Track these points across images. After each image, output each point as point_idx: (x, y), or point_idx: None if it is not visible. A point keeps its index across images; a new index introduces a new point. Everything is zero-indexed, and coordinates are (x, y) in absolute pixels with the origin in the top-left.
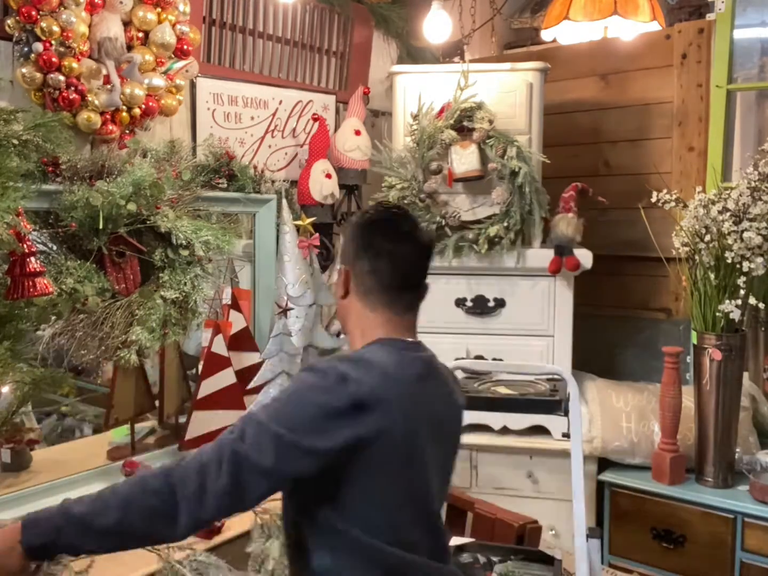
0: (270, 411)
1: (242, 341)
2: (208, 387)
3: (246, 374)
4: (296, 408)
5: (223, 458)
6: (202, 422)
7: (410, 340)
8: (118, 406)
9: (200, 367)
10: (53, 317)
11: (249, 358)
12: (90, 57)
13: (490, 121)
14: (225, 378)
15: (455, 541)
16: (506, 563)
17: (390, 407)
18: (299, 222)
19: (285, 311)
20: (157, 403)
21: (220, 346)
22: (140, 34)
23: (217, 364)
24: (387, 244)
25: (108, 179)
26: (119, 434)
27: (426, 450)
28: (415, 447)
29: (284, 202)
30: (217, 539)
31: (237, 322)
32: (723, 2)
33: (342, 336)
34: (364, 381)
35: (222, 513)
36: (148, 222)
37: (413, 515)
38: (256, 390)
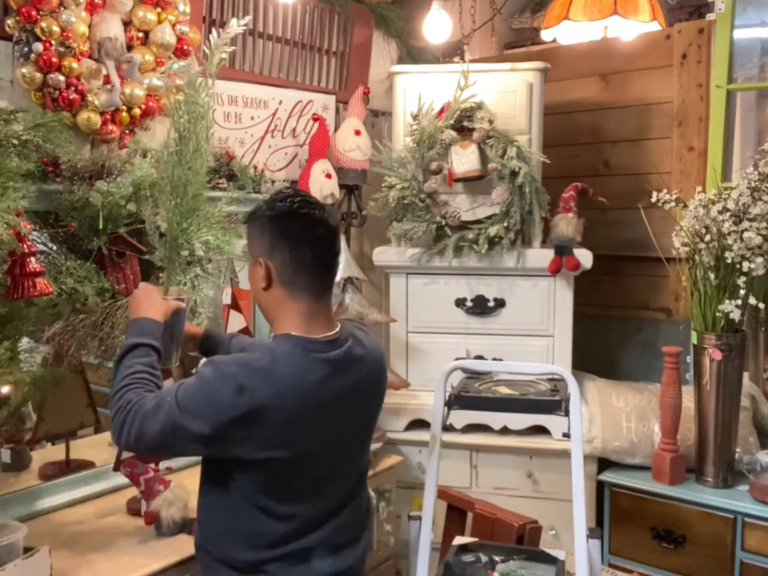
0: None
1: None
2: None
3: None
4: (197, 402)
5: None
6: None
7: (325, 337)
8: (51, 419)
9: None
10: (53, 317)
11: None
12: (90, 57)
13: (490, 121)
14: None
15: (457, 540)
16: (508, 563)
17: (281, 416)
18: None
19: None
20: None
21: None
22: (140, 34)
23: None
24: (302, 232)
25: (108, 179)
26: None
27: (323, 446)
28: (307, 449)
29: None
30: None
31: (237, 322)
32: (723, 2)
33: None
34: (258, 392)
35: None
36: None
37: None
38: None
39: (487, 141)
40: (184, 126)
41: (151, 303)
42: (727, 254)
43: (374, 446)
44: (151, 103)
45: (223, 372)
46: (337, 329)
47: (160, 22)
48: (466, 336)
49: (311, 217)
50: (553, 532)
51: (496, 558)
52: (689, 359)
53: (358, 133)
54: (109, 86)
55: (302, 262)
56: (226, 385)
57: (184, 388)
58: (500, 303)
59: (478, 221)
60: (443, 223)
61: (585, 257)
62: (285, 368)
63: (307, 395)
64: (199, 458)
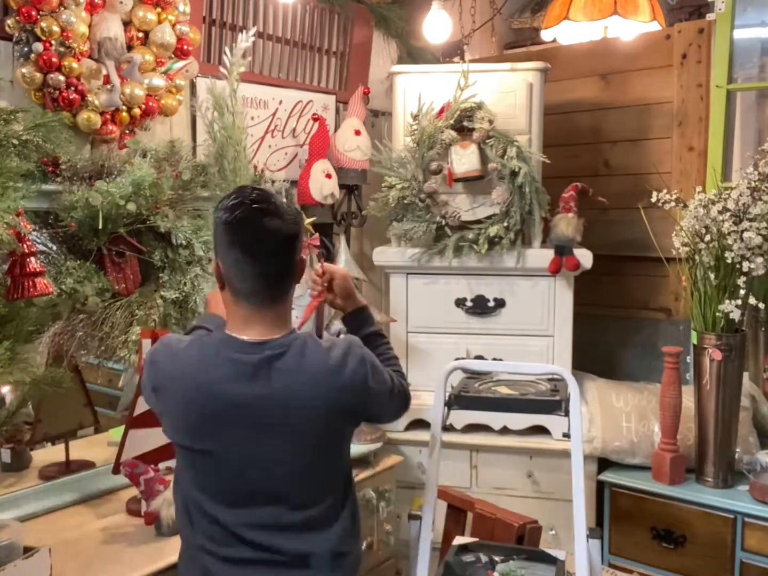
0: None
1: None
2: (145, 403)
3: None
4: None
5: None
6: (138, 441)
7: (247, 339)
8: (48, 419)
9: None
10: (53, 317)
11: None
12: (90, 57)
13: (490, 121)
14: None
15: (457, 540)
16: (508, 563)
17: (174, 397)
18: None
19: None
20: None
21: None
22: (140, 34)
23: None
24: (249, 242)
25: (108, 179)
26: (119, 434)
27: (221, 441)
28: (202, 436)
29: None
30: None
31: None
32: (723, 2)
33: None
34: (162, 371)
35: None
36: (147, 222)
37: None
38: None
39: (487, 141)
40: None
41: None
42: (727, 254)
43: (374, 446)
44: (151, 103)
45: (154, 349)
46: (278, 336)
47: (160, 22)
48: (466, 336)
49: (256, 228)
50: (553, 532)
51: (496, 558)
52: (689, 359)
53: (358, 133)
54: (109, 86)
55: (244, 270)
56: (148, 361)
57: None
58: (500, 303)
59: (478, 221)
60: (443, 223)
61: (585, 257)
62: (193, 357)
63: (204, 387)
64: None
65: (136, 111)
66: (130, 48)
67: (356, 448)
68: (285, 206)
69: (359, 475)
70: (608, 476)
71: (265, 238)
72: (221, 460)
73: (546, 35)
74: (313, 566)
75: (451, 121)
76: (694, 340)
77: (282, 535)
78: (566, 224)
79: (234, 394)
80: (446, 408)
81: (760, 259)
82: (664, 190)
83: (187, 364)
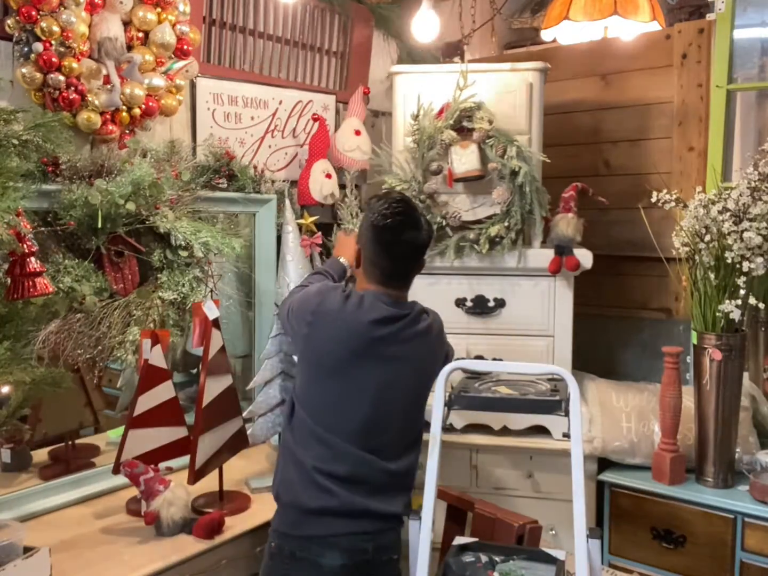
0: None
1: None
2: (145, 403)
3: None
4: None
5: None
6: (138, 441)
7: (392, 294)
8: (48, 419)
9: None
10: (51, 316)
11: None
12: (90, 57)
13: (490, 121)
14: (163, 392)
15: (457, 540)
16: (508, 563)
17: (326, 330)
18: (302, 221)
19: None
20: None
21: (158, 358)
22: (140, 34)
23: (155, 377)
24: (391, 247)
25: (107, 178)
26: (117, 434)
27: (358, 373)
28: (342, 366)
29: (287, 201)
30: (218, 539)
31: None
32: (723, 2)
33: None
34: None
35: None
36: (147, 222)
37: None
38: None
39: (487, 141)
40: None
41: (346, 248)
42: (727, 254)
43: None
44: (151, 103)
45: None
46: (409, 303)
47: (160, 22)
48: (466, 336)
49: (405, 236)
50: (553, 532)
51: (497, 558)
52: (689, 359)
53: (358, 133)
54: (109, 86)
55: (382, 266)
56: (311, 297)
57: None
58: (500, 303)
59: (479, 221)
60: (444, 223)
61: (585, 257)
62: (354, 302)
63: (357, 329)
64: None
65: (136, 111)
66: (130, 48)
67: None
68: (423, 218)
69: None
70: (608, 476)
71: (403, 245)
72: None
73: (546, 35)
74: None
75: (451, 122)
76: (694, 340)
77: (385, 460)
78: (566, 224)
79: (385, 333)
80: (446, 408)
81: (760, 259)
82: (664, 190)
83: (352, 304)
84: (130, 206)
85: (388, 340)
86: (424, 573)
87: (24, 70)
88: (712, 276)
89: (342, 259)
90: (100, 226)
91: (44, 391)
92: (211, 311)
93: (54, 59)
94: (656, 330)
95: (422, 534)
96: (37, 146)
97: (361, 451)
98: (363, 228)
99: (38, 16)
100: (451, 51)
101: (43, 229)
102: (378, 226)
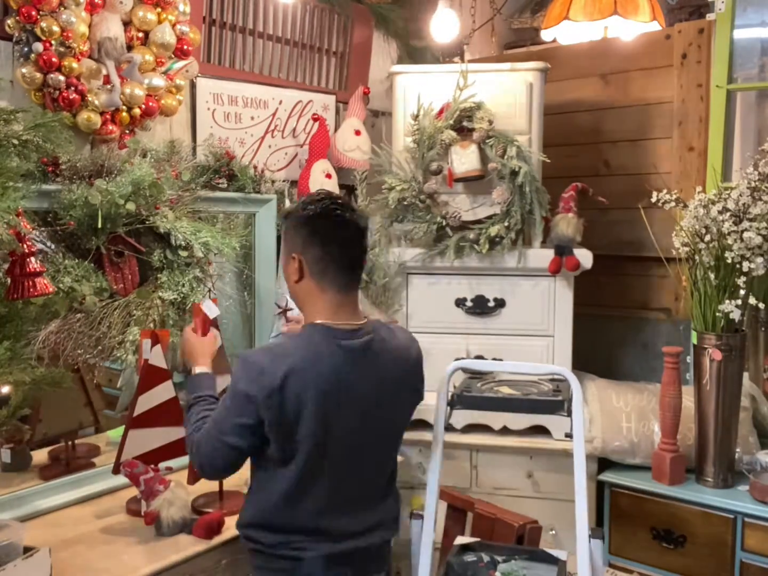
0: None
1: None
2: (145, 403)
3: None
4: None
5: None
6: (138, 442)
7: (347, 327)
8: (48, 419)
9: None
10: (50, 316)
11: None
12: (90, 57)
13: (490, 121)
14: (163, 392)
15: (459, 540)
16: (510, 563)
17: (293, 394)
18: None
19: (285, 311)
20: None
21: (158, 358)
22: (140, 34)
23: (155, 377)
24: (333, 232)
25: (107, 178)
26: (118, 434)
27: (334, 424)
28: (319, 422)
29: (287, 201)
30: (218, 539)
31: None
32: (723, 2)
33: None
34: (276, 373)
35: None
36: (147, 222)
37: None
38: None
39: (487, 141)
40: None
41: (200, 352)
42: (727, 254)
43: None
44: (151, 103)
45: (248, 361)
46: (362, 321)
47: (160, 22)
48: (466, 336)
49: (341, 218)
50: (553, 532)
51: (498, 558)
52: (689, 359)
53: (358, 133)
54: (109, 86)
55: (331, 258)
56: (250, 371)
57: (219, 406)
58: (500, 303)
59: (479, 221)
60: (444, 223)
61: (585, 257)
62: (301, 350)
63: (321, 377)
64: None
65: (136, 111)
66: (130, 48)
67: None
68: (352, 202)
69: None
70: (608, 476)
71: (353, 227)
72: (334, 445)
73: (546, 35)
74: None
75: (451, 122)
76: (694, 340)
77: (366, 507)
78: (566, 224)
79: (348, 378)
80: (449, 407)
81: (760, 259)
82: (664, 190)
83: (302, 357)
84: (130, 206)
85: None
86: (426, 573)
87: (24, 70)
88: (712, 276)
89: (204, 369)
90: (100, 226)
91: (44, 391)
92: (211, 310)
93: (54, 59)
94: (656, 330)
95: (424, 534)
96: (37, 146)
97: None
98: (293, 231)
99: (38, 16)
100: (451, 51)
101: (43, 228)
102: (314, 215)
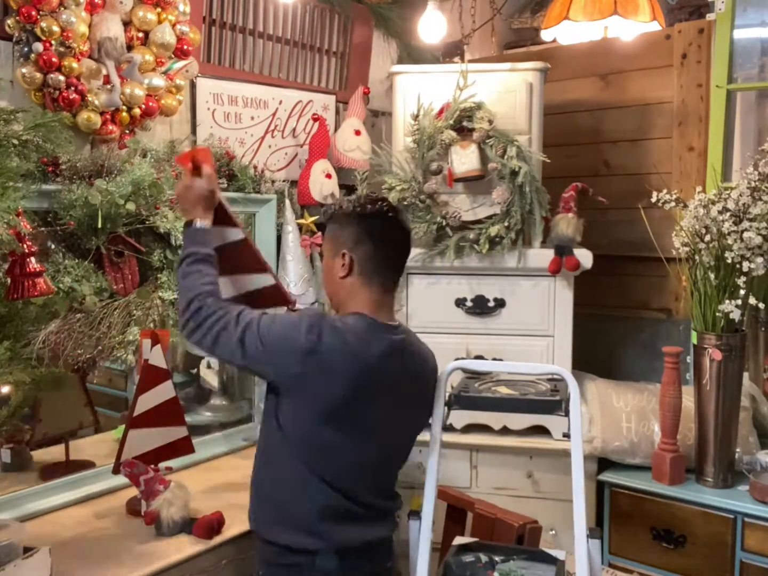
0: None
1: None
2: (145, 403)
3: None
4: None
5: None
6: (138, 442)
7: (389, 323)
8: (48, 419)
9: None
10: (50, 316)
11: None
12: (90, 57)
13: (490, 121)
14: (163, 392)
15: (457, 540)
16: (508, 563)
17: (342, 375)
18: (302, 221)
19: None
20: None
21: (158, 358)
22: (140, 34)
23: (155, 377)
24: (386, 232)
25: (107, 178)
26: (121, 434)
27: (372, 412)
28: (356, 406)
29: (287, 201)
30: (218, 539)
31: None
32: (723, 2)
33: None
34: (326, 342)
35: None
36: (147, 222)
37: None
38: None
39: (487, 141)
40: None
41: (200, 199)
42: (727, 254)
43: None
44: (151, 103)
45: (302, 315)
46: (398, 322)
47: (160, 22)
48: (466, 336)
49: (394, 220)
50: (553, 532)
51: (497, 558)
52: (689, 359)
53: (358, 133)
54: (109, 86)
55: (381, 257)
56: (301, 325)
57: (266, 318)
58: (500, 303)
59: (479, 221)
60: (444, 223)
61: (585, 257)
62: (353, 334)
63: (367, 365)
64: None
65: (136, 111)
66: (130, 48)
67: None
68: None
69: None
70: (608, 476)
71: (405, 230)
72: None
73: (546, 35)
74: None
75: (451, 122)
76: (694, 340)
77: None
78: (566, 224)
79: (389, 369)
80: (446, 408)
81: (760, 259)
82: (664, 190)
83: (354, 341)
84: (130, 206)
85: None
86: (424, 573)
87: (24, 70)
88: (712, 276)
89: (207, 223)
90: (100, 226)
91: (44, 391)
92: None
93: (54, 59)
94: (656, 330)
95: (422, 534)
96: (37, 146)
97: None
98: (344, 229)
99: (38, 16)
100: (451, 51)
101: (43, 229)
102: (370, 214)
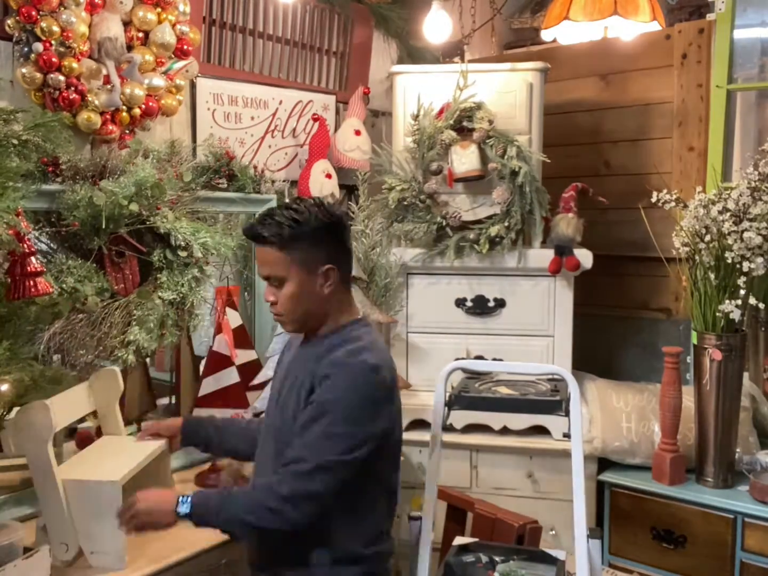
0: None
1: (239, 339)
2: (209, 385)
3: (244, 371)
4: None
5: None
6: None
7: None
8: (128, 405)
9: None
10: (53, 317)
11: (246, 355)
12: (90, 57)
13: (490, 121)
14: (227, 377)
15: (457, 540)
16: (508, 563)
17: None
18: None
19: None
20: (173, 400)
21: (221, 345)
22: (140, 34)
23: (217, 362)
24: (348, 235)
25: (111, 179)
26: None
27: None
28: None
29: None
30: (218, 539)
31: (233, 319)
32: (723, 2)
33: None
34: (388, 368)
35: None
36: (148, 222)
37: None
38: (260, 387)
39: (487, 141)
40: None
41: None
42: (727, 254)
43: None
44: (151, 103)
45: (368, 365)
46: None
47: (160, 22)
48: (466, 336)
49: (342, 216)
50: (553, 532)
51: (497, 558)
52: (689, 359)
53: (358, 133)
54: (109, 86)
55: (350, 262)
56: (371, 378)
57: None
58: (500, 303)
59: (479, 221)
60: (444, 223)
61: (585, 257)
62: (385, 352)
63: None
64: None
65: (136, 111)
66: (130, 48)
67: None
68: None
69: None
70: (608, 476)
71: (349, 230)
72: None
73: (546, 35)
74: None
75: (451, 122)
76: (694, 340)
77: None
78: (566, 224)
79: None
80: (446, 408)
81: (760, 259)
82: (664, 190)
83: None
84: (134, 207)
85: None
86: (425, 573)
87: (24, 70)
88: (712, 276)
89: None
90: (104, 226)
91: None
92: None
93: (54, 59)
94: (656, 330)
95: (422, 534)
96: (36, 146)
97: None
98: (318, 243)
99: (38, 16)
100: (451, 51)
101: (47, 229)
102: (339, 223)
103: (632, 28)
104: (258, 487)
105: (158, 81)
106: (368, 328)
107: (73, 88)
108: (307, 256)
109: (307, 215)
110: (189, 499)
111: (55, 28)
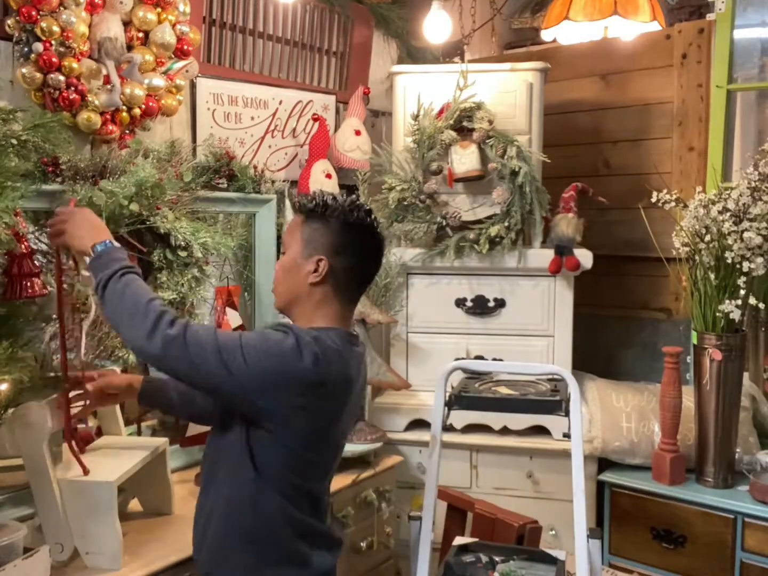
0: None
1: None
2: None
3: None
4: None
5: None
6: None
7: (353, 332)
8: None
9: None
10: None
11: None
12: (90, 57)
13: (490, 121)
14: None
15: (457, 540)
16: (508, 563)
17: (337, 396)
18: None
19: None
20: None
21: (234, 319)
22: (140, 34)
23: None
24: (366, 245)
25: (111, 179)
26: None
27: (339, 425)
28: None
29: (287, 201)
30: None
31: (233, 319)
32: (723, 2)
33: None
34: (331, 366)
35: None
36: (148, 222)
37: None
38: None
39: (487, 141)
40: None
41: (101, 225)
42: (727, 254)
43: (374, 446)
44: (151, 103)
45: (297, 338)
46: (354, 330)
47: (160, 22)
48: (466, 336)
49: (380, 236)
50: (553, 532)
51: (497, 558)
52: (689, 359)
53: (358, 133)
54: (109, 86)
55: (358, 271)
56: (302, 351)
57: (248, 339)
58: (500, 303)
59: (479, 221)
60: (444, 223)
61: (585, 257)
62: (345, 355)
63: (352, 384)
64: None
65: (136, 111)
66: (130, 48)
67: (356, 448)
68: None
69: (360, 475)
70: (608, 476)
71: (383, 245)
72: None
73: (546, 35)
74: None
75: (451, 122)
76: (694, 340)
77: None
78: (566, 224)
79: (357, 381)
80: (446, 408)
81: (760, 259)
82: (664, 190)
83: (346, 357)
84: (134, 207)
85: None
86: (425, 573)
87: (24, 70)
88: (712, 276)
89: (116, 243)
90: None
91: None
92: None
93: (54, 59)
94: (656, 330)
95: (422, 534)
96: (36, 146)
97: None
98: (326, 232)
99: (38, 16)
100: (451, 51)
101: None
102: (360, 225)
103: (632, 28)
104: (160, 305)
105: (158, 81)
106: (340, 332)
107: (73, 88)
108: (312, 236)
109: (337, 204)
110: (111, 244)
111: (55, 28)
